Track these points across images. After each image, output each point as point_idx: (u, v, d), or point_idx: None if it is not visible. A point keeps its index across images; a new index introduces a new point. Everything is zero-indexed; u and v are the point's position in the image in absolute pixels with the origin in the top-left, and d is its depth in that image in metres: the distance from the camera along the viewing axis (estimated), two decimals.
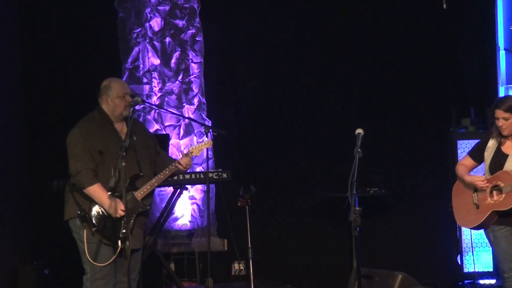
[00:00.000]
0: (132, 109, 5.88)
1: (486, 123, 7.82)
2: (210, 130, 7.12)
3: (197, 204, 8.46)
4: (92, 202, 5.83)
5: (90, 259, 5.79)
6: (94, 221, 5.81)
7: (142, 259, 6.15)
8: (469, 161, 6.36)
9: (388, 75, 8.35)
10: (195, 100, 8.54)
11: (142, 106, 8.08)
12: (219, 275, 8.09)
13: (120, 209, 5.75)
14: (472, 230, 6.93)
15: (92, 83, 8.37)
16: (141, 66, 8.55)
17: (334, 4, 8.38)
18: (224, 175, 7.70)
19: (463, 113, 7.95)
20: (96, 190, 5.78)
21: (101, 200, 5.79)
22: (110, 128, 5.92)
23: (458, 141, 7.81)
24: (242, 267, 8.28)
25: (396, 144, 8.34)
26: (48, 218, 8.16)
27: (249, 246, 7.47)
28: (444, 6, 7.80)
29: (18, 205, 8.10)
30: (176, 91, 8.56)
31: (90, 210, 5.82)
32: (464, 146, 7.76)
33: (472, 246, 7.73)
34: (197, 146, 6.04)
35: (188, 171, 6.57)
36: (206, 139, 6.13)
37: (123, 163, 5.59)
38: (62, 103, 8.37)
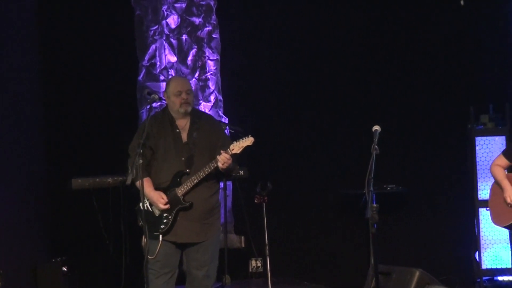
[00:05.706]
0: (148, 106, 5.91)
1: (504, 120, 7.79)
2: (227, 127, 7.13)
3: None
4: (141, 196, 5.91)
5: (144, 250, 5.80)
6: (140, 216, 5.88)
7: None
8: (503, 161, 6.38)
9: (406, 72, 8.32)
10: (212, 97, 8.55)
11: (159, 103, 8.09)
12: (236, 272, 8.09)
13: (160, 202, 5.82)
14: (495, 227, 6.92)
15: (109, 81, 8.47)
16: (158, 63, 8.56)
17: (352, 1, 8.36)
18: (241, 172, 7.69)
19: (481, 110, 7.91)
20: (142, 185, 5.84)
21: (147, 194, 5.86)
22: (169, 125, 5.99)
23: (476, 138, 7.78)
24: (259, 264, 8.26)
25: (414, 141, 8.31)
26: (67, 216, 8.20)
27: (266, 243, 7.45)
28: (462, 3, 7.77)
29: (36, 203, 8.12)
30: (193, 88, 8.56)
31: (139, 205, 5.89)
32: (483, 143, 7.72)
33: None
34: (237, 143, 5.90)
35: None
36: (248, 136, 5.93)
37: (140, 161, 5.64)
38: (80, 101, 8.41)
